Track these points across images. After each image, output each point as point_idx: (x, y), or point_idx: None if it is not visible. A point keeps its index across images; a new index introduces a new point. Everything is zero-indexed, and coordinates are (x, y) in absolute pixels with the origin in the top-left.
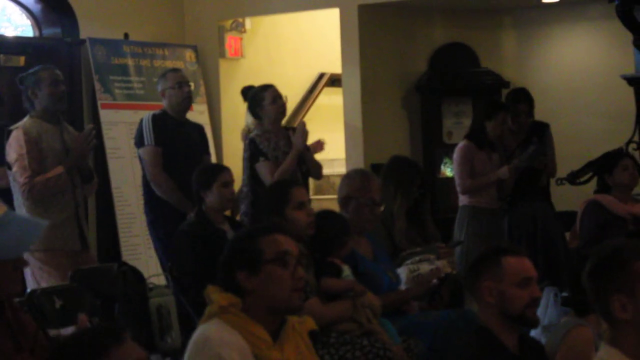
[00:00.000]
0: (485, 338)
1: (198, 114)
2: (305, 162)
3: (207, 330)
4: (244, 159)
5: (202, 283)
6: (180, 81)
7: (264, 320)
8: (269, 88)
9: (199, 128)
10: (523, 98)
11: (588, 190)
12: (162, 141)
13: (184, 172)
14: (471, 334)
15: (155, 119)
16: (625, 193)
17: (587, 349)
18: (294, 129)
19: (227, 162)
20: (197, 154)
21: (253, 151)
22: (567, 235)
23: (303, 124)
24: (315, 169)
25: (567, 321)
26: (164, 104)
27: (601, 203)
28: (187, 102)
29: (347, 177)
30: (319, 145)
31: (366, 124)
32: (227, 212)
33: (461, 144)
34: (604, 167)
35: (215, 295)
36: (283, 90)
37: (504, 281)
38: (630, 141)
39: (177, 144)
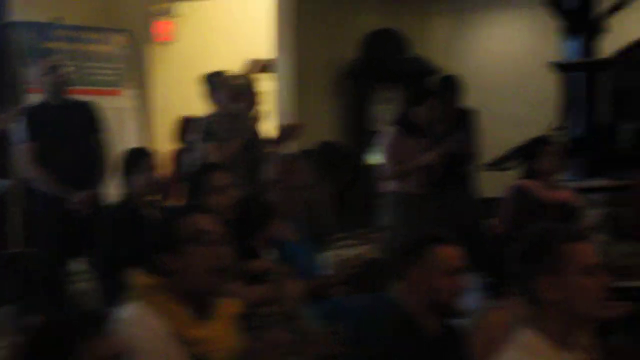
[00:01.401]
0: (407, 323)
1: (128, 98)
2: (256, 147)
3: (123, 312)
4: (195, 140)
5: (125, 267)
6: (51, 66)
7: (188, 301)
8: (222, 74)
9: (85, 107)
10: (452, 86)
11: (514, 176)
12: (37, 134)
13: (66, 157)
14: (393, 319)
15: (28, 113)
16: (549, 179)
17: (502, 331)
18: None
19: (156, 146)
20: (81, 135)
21: (205, 132)
22: (493, 221)
23: (257, 111)
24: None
25: (483, 305)
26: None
27: (526, 189)
28: (60, 85)
29: (274, 161)
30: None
31: (300, 110)
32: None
33: (390, 129)
34: (529, 153)
35: (137, 278)
36: None
37: (433, 269)
38: (555, 127)
39: (55, 131)
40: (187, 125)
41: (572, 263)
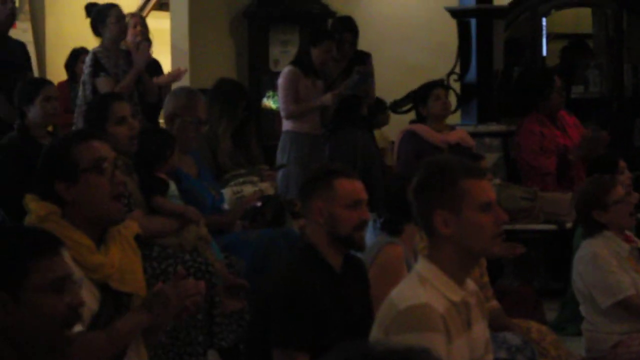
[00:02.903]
0: (311, 256)
1: (21, 32)
2: (143, 83)
3: None
4: (85, 74)
5: (22, 198)
6: None
7: (85, 227)
8: (113, 7)
9: (21, 45)
10: (348, 27)
11: (409, 119)
12: None
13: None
14: (296, 251)
15: None
16: (439, 122)
17: (398, 265)
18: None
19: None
20: (19, 70)
21: (95, 66)
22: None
23: (145, 45)
24: (151, 91)
25: (379, 240)
26: None
27: (416, 132)
28: (10, 19)
29: (174, 95)
30: (179, 73)
31: (193, 48)
32: (50, 128)
33: (287, 69)
34: (418, 98)
35: (33, 205)
36: None
37: (335, 202)
38: (451, 72)
39: None
40: (77, 58)
41: (469, 199)
